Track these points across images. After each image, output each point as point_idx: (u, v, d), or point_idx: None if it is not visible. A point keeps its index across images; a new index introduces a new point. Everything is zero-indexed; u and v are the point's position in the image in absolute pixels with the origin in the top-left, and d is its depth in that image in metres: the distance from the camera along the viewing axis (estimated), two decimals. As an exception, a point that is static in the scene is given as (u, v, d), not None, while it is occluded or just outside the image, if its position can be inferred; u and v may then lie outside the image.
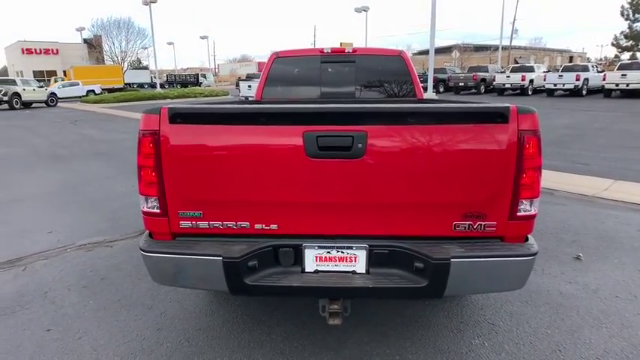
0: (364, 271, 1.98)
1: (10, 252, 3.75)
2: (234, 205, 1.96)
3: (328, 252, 1.98)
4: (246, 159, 1.90)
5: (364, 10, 38.50)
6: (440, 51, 59.97)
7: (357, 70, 4.33)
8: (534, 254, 1.90)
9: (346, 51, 4.30)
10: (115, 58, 48.35)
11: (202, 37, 55.65)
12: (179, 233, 2.02)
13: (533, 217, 1.97)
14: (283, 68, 4.43)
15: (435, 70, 30.61)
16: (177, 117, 1.89)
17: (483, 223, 1.93)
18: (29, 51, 45.62)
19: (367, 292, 1.94)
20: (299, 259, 1.99)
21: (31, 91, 25.82)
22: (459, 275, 1.87)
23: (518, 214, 1.92)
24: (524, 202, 1.92)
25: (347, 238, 1.98)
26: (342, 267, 1.99)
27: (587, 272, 3.26)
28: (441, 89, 27.91)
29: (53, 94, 27.67)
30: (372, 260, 1.97)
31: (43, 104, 26.02)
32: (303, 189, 1.91)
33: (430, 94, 14.47)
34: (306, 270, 2.00)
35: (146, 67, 54.18)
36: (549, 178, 5.98)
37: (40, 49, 46.14)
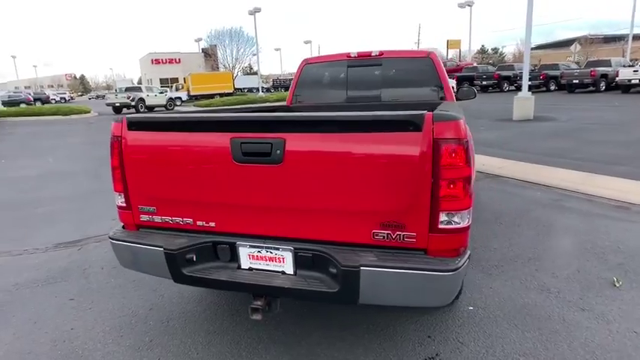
0: (292, 273, 2.06)
1: (78, 234, 4.50)
2: (179, 203, 2.19)
3: (259, 251, 2.09)
4: (185, 162, 2.11)
5: (468, 5, 36.59)
6: (562, 44, 54.12)
7: (383, 73, 4.30)
8: (453, 270, 1.79)
9: (372, 54, 4.29)
10: (227, 65, 52.84)
11: (306, 42, 57.89)
12: (141, 225, 2.32)
13: (461, 230, 1.85)
14: (312, 74, 4.58)
15: (547, 66, 27.97)
16: (132, 125, 2.18)
17: (402, 234, 1.87)
18: (157, 61, 52.26)
19: (285, 292, 2.01)
20: (235, 256, 2.14)
21: (154, 97, 29.61)
22: (372, 284, 1.84)
23: (440, 226, 1.83)
24: (447, 214, 1.82)
25: (276, 239, 2.07)
26: (272, 267, 2.09)
27: (614, 301, 2.84)
28: (552, 87, 25.29)
29: (171, 98, 31.35)
30: (298, 262, 2.03)
31: (163, 107, 29.65)
32: (233, 191, 2.05)
33: (525, 94, 13.29)
34: (242, 267, 2.14)
35: (255, 73, 58.27)
36: (631, 190, 5.23)
37: (166, 59, 52.56)
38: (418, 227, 1.85)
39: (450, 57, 40.16)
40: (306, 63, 4.60)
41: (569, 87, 24.06)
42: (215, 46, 54.67)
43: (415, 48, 74.85)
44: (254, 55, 54.82)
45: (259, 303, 2.08)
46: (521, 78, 24.47)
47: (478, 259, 3.55)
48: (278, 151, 1.92)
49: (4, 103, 31.32)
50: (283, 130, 1.93)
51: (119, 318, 2.81)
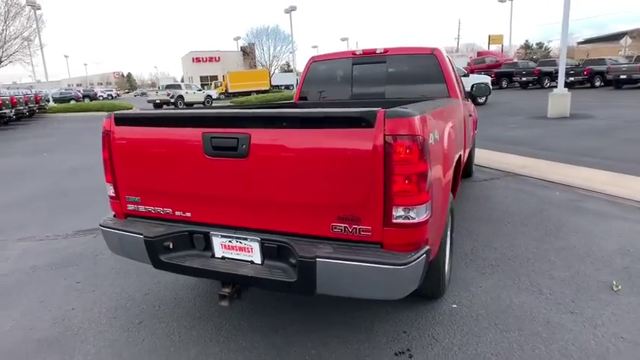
0: (260, 262, 2.14)
1: (97, 223, 4.78)
2: (159, 194, 2.33)
3: (230, 241, 2.19)
4: (164, 155, 2.24)
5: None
6: (612, 38, 50.97)
7: (387, 70, 4.30)
8: (403, 264, 1.81)
9: (377, 52, 4.30)
10: (265, 63, 53.63)
11: (343, 39, 57.76)
12: (128, 214, 2.48)
13: (416, 225, 1.87)
14: (319, 71, 4.64)
15: (592, 61, 26.47)
16: (119, 120, 2.33)
17: (358, 227, 1.91)
18: (197, 59, 53.85)
19: (249, 281, 2.10)
20: (209, 245, 2.25)
21: (192, 94, 30.63)
22: (328, 275, 1.90)
23: (395, 221, 1.85)
24: (401, 208, 1.84)
25: (245, 230, 2.16)
26: (242, 256, 2.19)
27: (607, 306, 2.74)
28: (598, 83, 23.98)
29: (209, 96, 32.27)
30: (265, 253, 2.12)
31: (201, 104, 30.59)
32: (206, 183, 2.16)
33: (561, 90, 12.69)
34: (216, 255, 2.25)
35: (292, 70, 58.83)
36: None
37: (206, 58, 54.06)
38: (373, 221, 1.88)
39: (488, 52, 38.74)
40: (313, 60, 4.67)
41: (615, 83, 22.72)
42: (253, 44, 55.63)
43: (455, 44, 72.90)
44: (291, 52, 55.45)
45: (227, 290, 2.18)
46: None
47: (475, 258, 3.51)
48: (244, 146, 2.00)
49: (56, 100, 33.34)
50: (248, 125, 2.01)
51: (116, 301, 3.01)
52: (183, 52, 58.63)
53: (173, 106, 28.41)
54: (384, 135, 1.78)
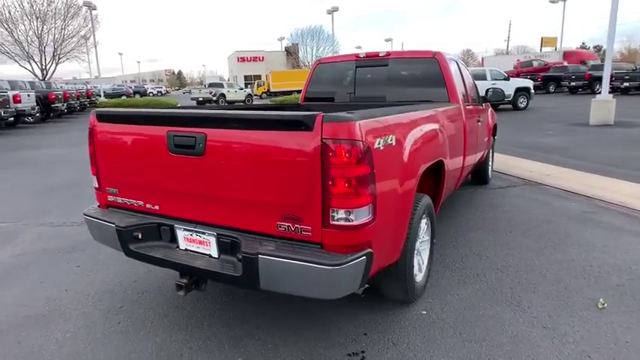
0: (216, 256, 2.24)
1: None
2: (132, 187, 2.49)
3: (191, 234, 2.31)
4: (136, 150, 2.39)
5: (561, 0, 33.57)
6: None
7: (389, 73, 4.29)
8: (336, 265, 1.84)
9: (379, 55, 4.30)
10: (308, 63, 54.10)
11: (387, 40, 57.19)
12: (109, 205, 2.66)
13: (356, 227, 1.89)
14: (324, 73, 4.70)
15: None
16: (99, 117, 2.52)
17: (300, 227, 1.96)
18: (242, 59, 55.20)
19: (202, 273, 2.21)
20: (174, 238, 2.38)
21: (234, 93, 31.50)
22: (269, 272, 1.96)
23: (333, 222, 1.89)
24: (339, 211, 1.87)
25: (204, 224, 2.27)
26: (202, 249, 2.29)
27: (586, 323, 2.62)
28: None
29: (249, 94, 33.06)
30: (221, 247, 2.21)
31: (242, 102, 31.38)
32: (170, 179, 2.29)
33: (604, 96, 11.98)
34: (180, 247, 2.38)
35: (334, 70, 59.11)
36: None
37: (250, 57, 55.31)
38: (313, 222, 1.93)
39: (535, 56, 36.98)
40: (319, 63, 4.73)
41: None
42: (297, 44, 56.28)
43: (504, 46, 70.18)
44: (335, 53, 55.72)
45: (184, 281, 2.29)
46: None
47: (462, 267, 3.44)
48: (200, 145, 2.11)
49: (108, 95, 35.32)
50: (205, 125, 2.12)
51: (106, 285, 3.21)
52: (230, 52, 60.28)
53: (215, 104, 29.34)
54: (322, 138, 1.82)
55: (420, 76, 4.14)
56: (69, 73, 62.85)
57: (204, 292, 3.03)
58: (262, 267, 1.95)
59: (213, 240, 2.22)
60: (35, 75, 31.34)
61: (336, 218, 1.88)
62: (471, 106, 4.42)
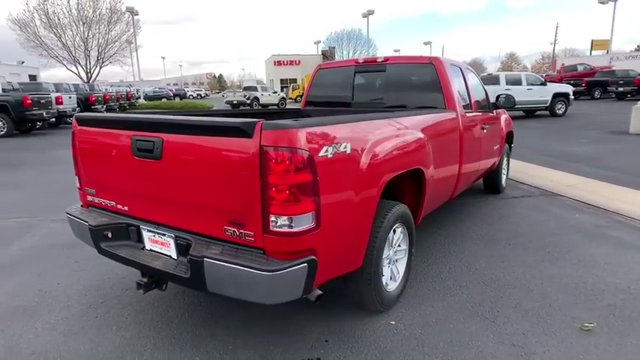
0: (175, 257, 2.31)
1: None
2: (105, 188, 2.60)
3: (154, 236, 2.39)
4: (107, 153, 2.50)
5: (611, 1, 31.86)
6: None
7: (386, 78, 4.27)
8: (270, 271, 1.85)
9: (378, 61, 4.27)
10: (343, 67, 54.18)
11: (425, 43, 56.43)
12: (89, 204, 2.79)
13: (296, 234, 1.90)
14: (325, 78, 4.72)
15: None
16: (79, 121, 2.66)
17: (244, 232, 1.99)
18: (279, 63, 56.00)
19: (157, 273, 2.28)
20: (141, 238, 2.47)
21: (267, 96, 32.03)
22: (214, 275, 2.00)
23: (273, 228, 1.90)
24: (278, 217, 1.89)
25: (165, 226, 2.34)
26: (164, 250, 2.37)
27: (561, 343, 2.48)
28: None
29: (283, 98, 33.51)
30: (178, 249, 2.28)
31: (276, 106, 31.86)
32: (135, 181, 2.38)
33: (647, 102, 11.26)
34: (146, 248, 2.47)
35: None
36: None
37: (287, 61, 56.01)
38: (255, 227, 1.95)
39: (581, 61, 35.09)
40: (320, 68, 4.76)
41: None
42: (333, 48, 56.54)
43: (550, 49, 67.28)
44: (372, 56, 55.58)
45: (144, 280, 2.38)
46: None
47: (448, 278, 3.36)
48: (158, 149, 2.19)
49: (149, 98, 36.86)
50: (161, 130, 2.19)
51: (95, 281, 3.37)
52: (267, 55, 61.29)
53: (249, 107, 29.95)
54: (261, 145, 1.85)
55: (417, 82, 4.09)
56: (117, 75, 66.10)
57: (180, 291, 3.14)
58: (208, 270, 2.00)
59: (172, 242, 2.29)
60: (80, 78, 33.31)
61: (276, 225, 1.90)
62: (473, 113, 4.30)
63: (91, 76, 33.90)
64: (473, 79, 4.71)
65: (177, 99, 42.16)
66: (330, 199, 2.04)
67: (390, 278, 2.88)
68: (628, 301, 2.95)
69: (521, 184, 6.57)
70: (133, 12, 28.84)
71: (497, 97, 5.22)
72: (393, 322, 2.73)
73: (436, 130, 3.38)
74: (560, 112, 16.70)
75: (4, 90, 14.38)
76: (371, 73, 4.36)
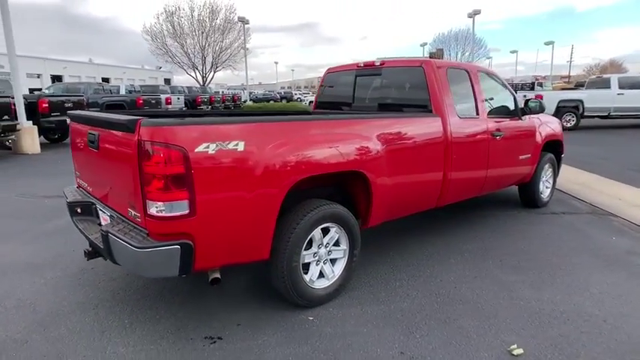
0: (107, 232, 2.74)
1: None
2: (82, 172, 3.16)
3: (103, 213, 2.84)
4: (79, 142, 3.04)
5: None
6: None
7: (382, 81, 4.27)
8: (140, 248, 2.13)
9: (375, 64, 4.28)
10: (454, 68, 51.96)
11: (547, 44, 51.14)
12: (78, 185, 3.38)
13: (169, 218, 2.16)
14: (331, 82, 4.87)
15: None
16: (71, 117, 3.25)
17: (135, 214, 2.31)
18: (384, 65, 55.81)
19: (91, 243, 2.71)
20: (97, 215, 2.96)
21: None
22: (115, 248, 2.35)
23: (149, 212, 2.18)
24: (153, 203, 2.16)
25: (107, 206, 2.77)
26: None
27: (470, 364, 2.34)
28: None
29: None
30: None
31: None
32: (91, 167, 2.88)
33: None
34: (102, 224, 2.94)
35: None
36: None
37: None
38: (140, 211, 2.26)
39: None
40: (328, 72, 4.91)
41: None
42: (441, 49, 54.47)
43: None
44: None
45: (89, 249, 2.83)
46: None
47: (399, 285, 3.27)
48: (96, 141, 2.64)
49: (258, 100, 39.74)
50: (97, 125, 2.64)
51: (91, 270, 3.80)
52: (373, 57, 61.53)
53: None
54: (140, 140, 2.15)
55: (406, 85, 4.04)
56: (238, 79, 72.26)
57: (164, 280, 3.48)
58: (112, 243, 2.36)
59: (108, 219, 2.72)
60: (197, 81, 37.51)
61: (152, 209, 2.18)
62: (477, 119, 4.07)
63: (205, 80, 38.04)
64: (488, 84, 4.42)
65: (284, 101, 44.70)
66: (211, 191, 2.25)
67: (321, 276, 2.95)
68: (586, 335, 2.59)
69: (575, 199, 5.85)
70: (244, 21, 31.52)
71: (526, 102, 4.78)
72: (311, 318, 2.80)
73: (400, 135, 3.32)
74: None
75: (128, 92, 16.99)
76: (369, 77, 4.39)
